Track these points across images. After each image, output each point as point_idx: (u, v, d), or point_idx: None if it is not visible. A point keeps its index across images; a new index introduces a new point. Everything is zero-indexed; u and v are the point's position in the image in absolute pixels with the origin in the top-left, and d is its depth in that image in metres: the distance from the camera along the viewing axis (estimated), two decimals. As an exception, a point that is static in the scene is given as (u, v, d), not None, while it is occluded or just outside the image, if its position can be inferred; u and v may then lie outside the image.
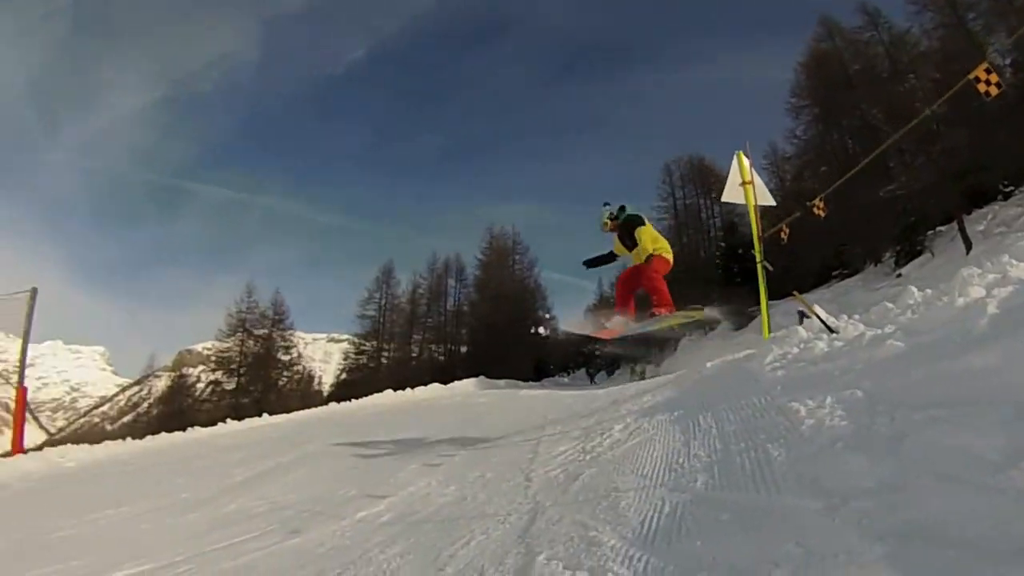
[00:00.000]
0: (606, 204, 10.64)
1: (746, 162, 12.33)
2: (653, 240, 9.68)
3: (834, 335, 7.59)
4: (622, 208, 10.39)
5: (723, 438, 5.19)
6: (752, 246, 12.21)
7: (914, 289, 8.30)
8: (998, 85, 7.69)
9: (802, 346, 7.81)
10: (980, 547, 2.34)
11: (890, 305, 8.37)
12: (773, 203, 12.93)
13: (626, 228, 9.92)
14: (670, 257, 9.75)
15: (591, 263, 10.63)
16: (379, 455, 10.47)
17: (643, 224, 9.86)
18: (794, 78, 48.63)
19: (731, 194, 12.63)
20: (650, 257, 9.46)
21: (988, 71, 7.67)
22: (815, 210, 10.80)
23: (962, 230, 30.43)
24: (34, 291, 20.16)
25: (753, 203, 12.09)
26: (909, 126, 11.26)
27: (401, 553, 4.85)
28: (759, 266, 11.73)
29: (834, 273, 40.88)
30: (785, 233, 11.43)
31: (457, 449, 8.87)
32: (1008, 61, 36.45)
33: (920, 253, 34.18)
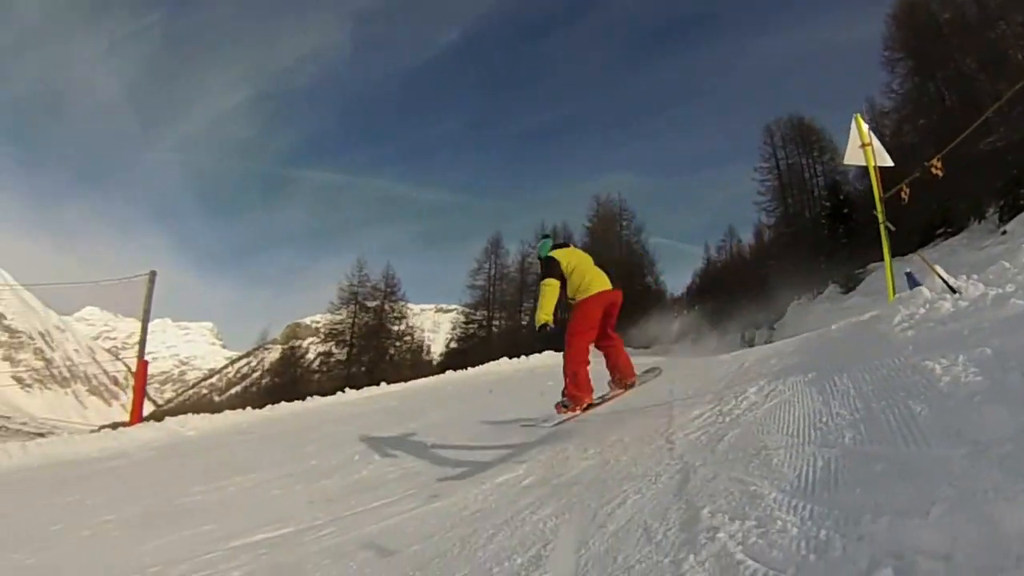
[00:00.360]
0: (545, 236, 10.24)
1: (864, 125, 12.42)
2: (543, 289, 8.59)
3: (958, 295, 7.78)
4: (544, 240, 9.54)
5: (863, 397, 5.39)
6: (873, 206, 12.25)
7: (1031, 245, 8.36)
8: None
9: (928, 306, 7.93)
10: None
11: (1007, 264, 8.47)
12: (891, 164, 12.93)
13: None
14: (552, 291, 8.46)
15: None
16: (505, 422, 10.77)
17: (544, 267, 8.66)
18: (885, 30, 47.52)
19: (852, 156, 12.86)
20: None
21: None
22: (932, 170, 10.78)
23: None
24: (153, 274, 21.78)
25: (873, 164, 12.18)
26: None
27: (555, 514, 5.04)
28: (882, 227, 11.80)
29: (938, 232, 39.75)
30: (906, 193, 11.45)
31: (586, 415, 8.81)
32: None
33: (1024, 208, 33.10)
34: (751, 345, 32.87)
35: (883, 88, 48.06)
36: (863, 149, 12.41)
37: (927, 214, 38.00)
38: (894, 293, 11.60)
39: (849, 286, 39.73)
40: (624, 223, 67.35)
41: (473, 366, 27.30)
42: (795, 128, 58.77)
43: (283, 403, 19.99)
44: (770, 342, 23.95)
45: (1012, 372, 4.24)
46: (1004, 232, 32.27)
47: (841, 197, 48.52)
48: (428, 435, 10.76)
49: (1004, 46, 34.58)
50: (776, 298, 45.43)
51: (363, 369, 58.21)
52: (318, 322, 66.84)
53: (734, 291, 53.08)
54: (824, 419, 5.22)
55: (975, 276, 8.80)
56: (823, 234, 48.20)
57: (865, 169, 13.58)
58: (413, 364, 59.68)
